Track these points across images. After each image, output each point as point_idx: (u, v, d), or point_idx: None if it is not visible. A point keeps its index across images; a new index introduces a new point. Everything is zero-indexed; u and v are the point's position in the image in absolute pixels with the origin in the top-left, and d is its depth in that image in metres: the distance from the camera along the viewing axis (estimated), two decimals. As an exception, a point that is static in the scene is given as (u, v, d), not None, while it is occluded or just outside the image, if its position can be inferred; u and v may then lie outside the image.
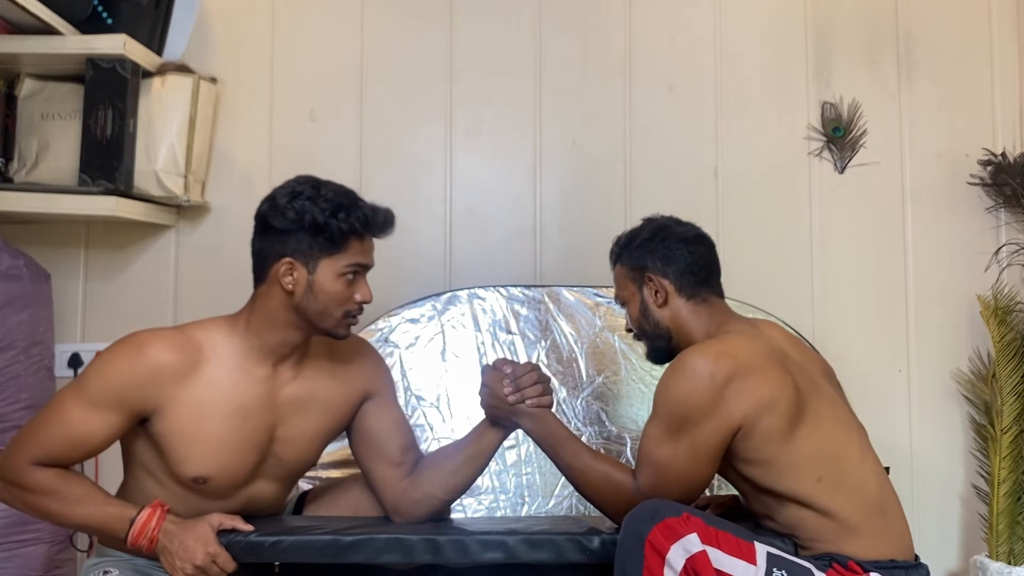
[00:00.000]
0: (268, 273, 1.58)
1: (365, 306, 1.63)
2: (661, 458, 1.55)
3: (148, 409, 1.55)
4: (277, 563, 1.69)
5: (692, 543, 1.39)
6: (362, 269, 1.60)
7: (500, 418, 1.69)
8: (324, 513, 1.78)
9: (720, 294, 1.75)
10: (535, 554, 1.56)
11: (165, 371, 1.54)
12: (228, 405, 1.57)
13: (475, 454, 1.70)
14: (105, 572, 1.59)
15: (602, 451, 2.18)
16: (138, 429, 1.58)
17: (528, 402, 1.65)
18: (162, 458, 1.59)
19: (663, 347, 1.71)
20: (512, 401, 1.65)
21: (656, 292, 1.69)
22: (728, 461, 1.58)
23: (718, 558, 1.40)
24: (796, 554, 1.53)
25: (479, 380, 1.71)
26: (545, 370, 1.75)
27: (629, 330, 1.78)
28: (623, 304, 1.77)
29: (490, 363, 1.75)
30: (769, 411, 1.52)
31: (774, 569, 1.42)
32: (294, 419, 1.65)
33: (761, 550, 1.44)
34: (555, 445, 1.65)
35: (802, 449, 1.54)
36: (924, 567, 1.55)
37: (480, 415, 1.72)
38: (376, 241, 1.64)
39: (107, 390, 1.53)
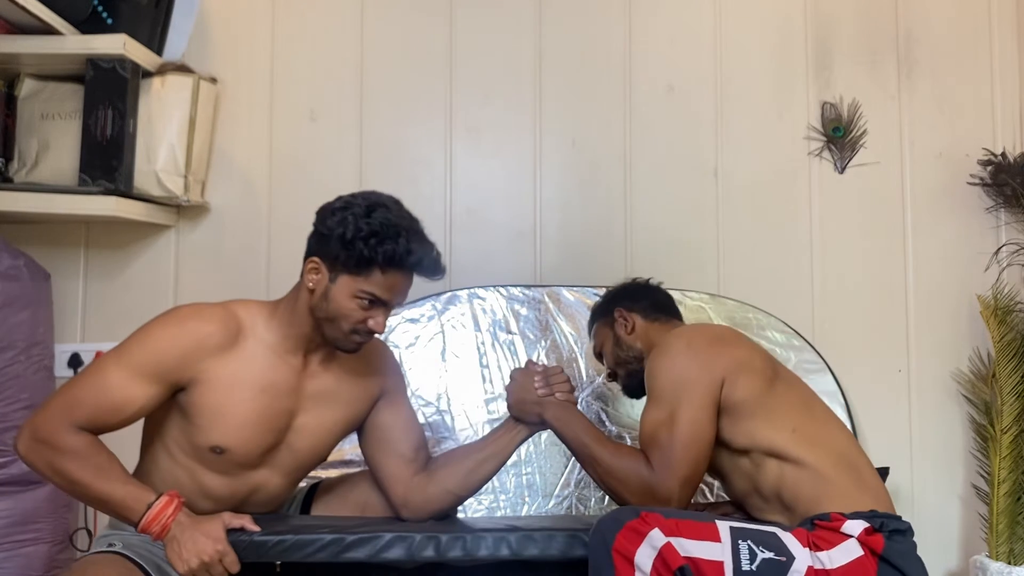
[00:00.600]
0: (303, 267, 1.64)
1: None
2: (662, 435, 1.61)
3: (185, 380, 1.58)
4: (278, 562, 1.69)
5: (656, 539, 1.44)
6: (379, 302, 1.60)
7: (524, 413, 1.77)
8: (334, 508, 1.81)
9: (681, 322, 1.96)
10: (537, 550, 1.57)
11: (207, 343, 1.58)
12: (260, 382, 1.62)
13: (496, 452, 1.76)
14: (110, 545, 1.60)
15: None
16: (168, 399, 1.60)
17: (556, 395, 1.76)
18: (183, 428, 1.61)
19: (636, 370, 1.84)
20: (541, 394, 1.75)
21: (625, 322, 1.91)
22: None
23: (683, 545, 1.44)
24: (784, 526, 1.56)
25: (480, 380, 1.73)
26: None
27: (610, 376, 1.97)
28: (600, 354, 1.97)
29: (520, 366, 1.89)
30: (746, 369, 1.65)
31: (739, 541, 1.47)
32: (315, 409, 1.69)
33: (723, 526, 1.49)
34: (579, 433, 1.72)
35: (779, 400, 1.66)
36: (907, 523, 1.58)
37: (483, 415, 1.73)
38: None
39: (150, 360, 1.56)
